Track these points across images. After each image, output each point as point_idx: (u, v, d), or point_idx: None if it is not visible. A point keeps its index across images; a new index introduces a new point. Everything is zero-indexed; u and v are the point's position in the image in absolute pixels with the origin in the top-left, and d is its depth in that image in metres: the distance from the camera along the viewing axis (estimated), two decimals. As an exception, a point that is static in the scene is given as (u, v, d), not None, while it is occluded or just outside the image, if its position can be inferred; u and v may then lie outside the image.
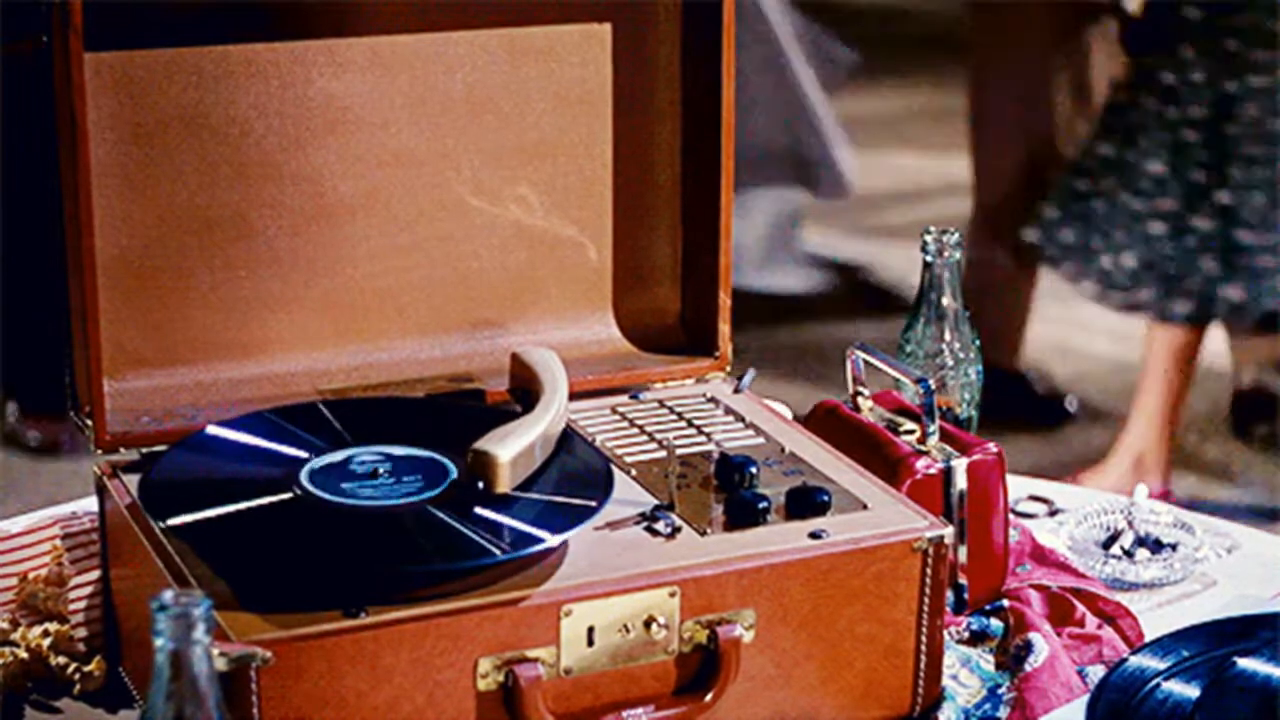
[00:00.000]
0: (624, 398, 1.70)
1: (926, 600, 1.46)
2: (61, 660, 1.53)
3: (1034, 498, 1.90)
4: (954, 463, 1.59)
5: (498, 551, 1.37)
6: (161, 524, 1.40)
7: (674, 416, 1.66)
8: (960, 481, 1.59)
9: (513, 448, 1.44)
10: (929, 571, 1.46)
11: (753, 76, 4.40)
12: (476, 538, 1.38)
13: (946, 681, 1.52)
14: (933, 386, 1.60)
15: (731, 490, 1.50)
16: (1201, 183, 3.68)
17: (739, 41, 1.71)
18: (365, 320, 1.68)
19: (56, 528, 1.61)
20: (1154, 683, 1.46)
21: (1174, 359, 3.76)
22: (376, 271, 1.67)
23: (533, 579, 1.37)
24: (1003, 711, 1.50)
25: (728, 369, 1.75)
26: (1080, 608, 1.63)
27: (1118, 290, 3.80)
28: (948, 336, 1.75)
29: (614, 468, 1.52)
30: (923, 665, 1.48)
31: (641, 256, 1.76)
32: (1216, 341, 4.09)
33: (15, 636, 1.55)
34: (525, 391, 1.60)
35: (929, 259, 1.74)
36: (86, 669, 1.52)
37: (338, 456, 1.49)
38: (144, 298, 1.60)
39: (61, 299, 1.54)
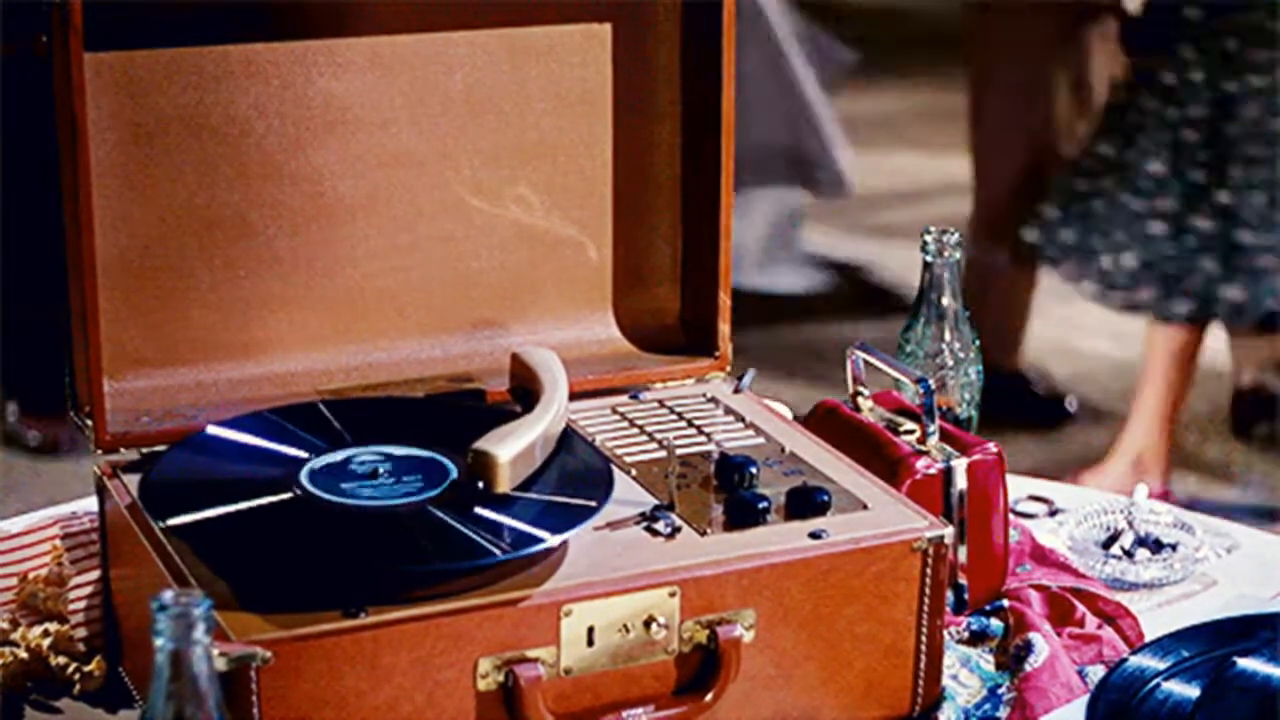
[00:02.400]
0: (624, 398, 1.70)
1: (926, 600, 1.46)
2: (61, 660, 1.53)
3: (1034, 498, 1.90)
4: (954, 463, 1.59)
5: (498, 551, 1.37)
6: (161, 524, 1.40)
7: (674, 416, 1.66)
8: (960, 481, 1.58)
9: (513, 448, 1.44)
10: (929, 571, 1.46)
11: (753, 76, 4.40)
12: (476, 538, 1.38)
13: (946, 681, 1.52)
14: (933, 386, 1.60)
15: (731, 490, 1.50)
16: (1201, 183, 3.68)
17: (739, 41, 1.71)
18: (365, 320, 1.68)
19: (56, 528, 1.61)
20: (1154, 683, 1.46)
21: (1174, 359, 3.76)
22: (376, 271, 1.67)
23: (533, 579, 1.37)
24: (1003, 711, 1.50)
25: (728, 369, 1.75)
26: (1080, 608, 1.63)
27: (1118, 290, 3.80)
28: (948, 336, 1.75)
29: (614, 468, 1.52)
30: (923, 665, 1.48)
31: (641, 256, 1.76)
32: (1216, 341, 4.09)
33: (15, 636, 1.55)
34: (525, 391, 1.59)
35: (929, 259, 1.74)
36: (86, 669, 1.52)
37: (338, 456, 1.49)
38: (144, 298, 1.60)
39: (61, 299, 1.54)
